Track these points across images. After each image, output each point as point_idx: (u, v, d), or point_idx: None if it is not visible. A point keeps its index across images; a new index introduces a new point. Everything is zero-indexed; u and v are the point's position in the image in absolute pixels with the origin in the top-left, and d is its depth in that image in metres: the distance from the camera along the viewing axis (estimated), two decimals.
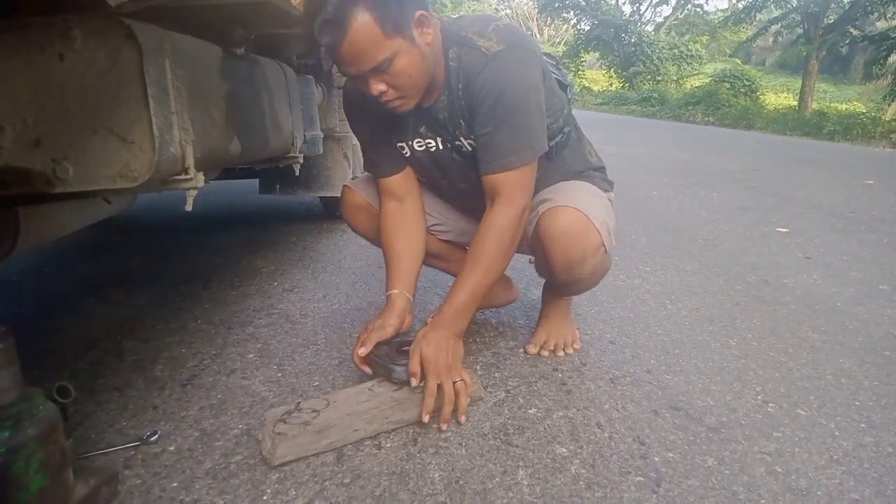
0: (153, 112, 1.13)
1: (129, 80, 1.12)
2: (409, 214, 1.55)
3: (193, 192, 1.29)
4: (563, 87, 1.57)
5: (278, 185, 3.08)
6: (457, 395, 1.30)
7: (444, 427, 1.29)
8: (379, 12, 1.13)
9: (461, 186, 1.53)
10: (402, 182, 1.54)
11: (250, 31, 1.61)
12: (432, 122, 1.41)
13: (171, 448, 1.23)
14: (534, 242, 1.49)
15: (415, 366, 1.30)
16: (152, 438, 1.26)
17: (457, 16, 1.50)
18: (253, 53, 1.71)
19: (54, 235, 1.69)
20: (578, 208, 1.39)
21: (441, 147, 1.44)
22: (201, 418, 1.35)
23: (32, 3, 1.09)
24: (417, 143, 1.46)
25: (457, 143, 1.41)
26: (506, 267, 1.42)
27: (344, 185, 1.71)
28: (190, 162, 1.24)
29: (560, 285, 1.59)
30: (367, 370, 1.39)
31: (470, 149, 1.40)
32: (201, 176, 1.28)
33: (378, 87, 1.23)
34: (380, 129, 1.46)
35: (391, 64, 1.19)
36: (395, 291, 1.48)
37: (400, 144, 1.47)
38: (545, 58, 1.51)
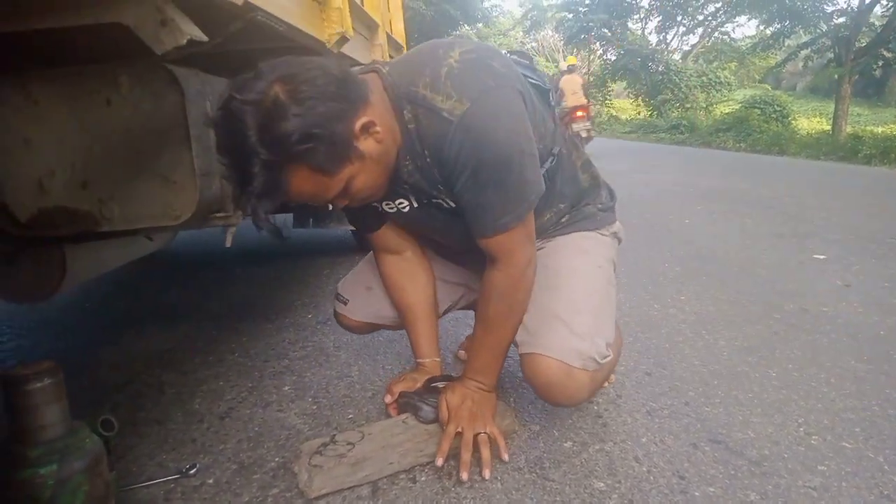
0: (195, 153, 1.17)
1: (173, 123, 1.17)
2: (412, 266, 1.50)
3: (233, 229, 1.33)
4: (544, 93, 1.39)
5: (312, 219, 3.13)
6: (480, 446, 1.26)
7: (463, 476, 1.21)
8: (314, 160, 0.98)
9: (450, 239, 1.42)
10: (392, 234, 1.45)
11: None
12: (399, 188, 1.25)
13: (210, 481, 1.25)
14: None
15: (443, 412, 1.31)
16: (192, 471, 1.27)
17: (399, 57, 1.35)
18: None
19: (98, 272, 1.76)
20: (557, 358, 1.23)
21: (416, 205, 1.29)
22: (239, 451, 1.36)
23: (81, 53, 1.15)
24: (387, 205, 1.31)
25: (435, 201, 1.25)
26: (521, 318, 1.31)
27: (335, 311, 1.64)
28: (229, 200, 1.28)
29: None
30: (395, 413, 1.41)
31: (452, 205, 1.23)
32: (239, 213, 1.32)
33: (341, 203, 1.14)
34: None
35: (348, 189, 1.08)
36: (428, 360, 1.50)
37: (374, 205, 1.31)
38: (519, 60, 1.37)
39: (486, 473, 1.23)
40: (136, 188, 1.20)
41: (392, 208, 1.31)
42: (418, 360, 1.52)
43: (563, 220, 1.44)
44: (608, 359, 1.30)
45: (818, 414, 1.47)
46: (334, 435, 1.30)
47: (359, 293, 1.61)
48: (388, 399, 1.44)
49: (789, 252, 3.28)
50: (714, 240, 3.67)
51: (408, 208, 1.30)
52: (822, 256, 3.15)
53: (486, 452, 1.26)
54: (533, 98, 1.26)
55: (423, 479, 1.24)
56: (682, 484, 1.19)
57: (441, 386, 1.37)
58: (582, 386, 1.26)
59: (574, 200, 1.45)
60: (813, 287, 2.59)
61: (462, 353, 1.84)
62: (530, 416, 1.49)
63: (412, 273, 1.50)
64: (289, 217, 3.11)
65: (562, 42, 31.00)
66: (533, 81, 1.34)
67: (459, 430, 1.28)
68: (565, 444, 1.36)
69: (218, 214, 1.31)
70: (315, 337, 2.12)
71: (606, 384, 1.64)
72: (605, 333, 1.31)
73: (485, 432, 1.29)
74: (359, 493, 1.19)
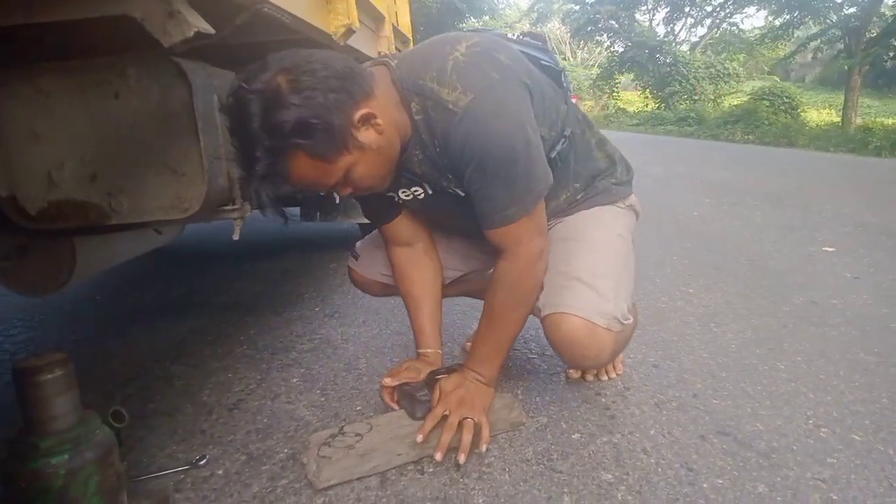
0: (203, 145, 1.17)
1: (181, 116, 1.17)
2: (422, 256, 1.52)
3: (241, 222, 1.33)
4: (557, 74, 1.41)
5: (319, 213, 3.14)
6: (463, 430, 1.26)
7: (437, 456, 1.23)
8: (312, 150, 1.03)
9: (462, 224, 1.42)
10: (404, 226, 1.47)
11: None
12: (412, 177, 1.28)
13: (220, 472, 1.26)
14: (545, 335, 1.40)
15: (434, 396, 1.32)
16: (201, 462, 1.28)
17: (408, 50, 1.39)
18: None
19: (108, 265, 1.76)
20: (581, 315, 1.26)
21: (430, 192, 1.31)
22: (248, 442, 1.37)
23: (89, 46, 1.15)
24: (404, 192, 1.34)
25: (448, 190, 1.27)
26: (528, 312, 1.34)
27: (348, 266, 1.70)
28: (237, 192, 1.29)
29: None
30: (394, 406, 1.42)
31: (464, 194, 1.25)
32: (248, 206, 1.32)
33: (345, 192, 1.18)
34: None
35: (348, 177, 1.11)
36: (431, 350, 1.51)
37: (389, 194, 1.35)
38: (530, 41, 1.41)
39: (462, 458, 1.23)
40: (144, 181, 1.21)
41: (408, 195, 1.34)
42: (420, 350, 1.52)
43: (579, 197, 1.47)
44: (630, 322, 1.36)
45: (827, 406, 1.47)
46: (342, 426, 1.31)
47: (370, 251, 1.65)
48: (388, 381, 1.42)
49: (798, 244, 3.26)
50: (723, 232, 3.66)
51: (423, 195, 1.33)
52: (831, 249, 3.13)
53: (466, 437, 1.25)
54: (542, 86, 1.28)
55: (430, 470, 1.24)
56: (690, 476, 1.19)
57: (441, 378, 1.37)
58: (604, 346, 1.30)
59: (589, 179, 1.47)
60: (822, 279, 2.57)
61: (468, 344, 1.84)
62: (538, 409, 1.49)
63: (421, 265, 1.51)
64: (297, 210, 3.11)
65: (568, 34, 30.85)
66: (545, 63, 1.37)
67: (447, 412, 1.28)
68: (573, 436, 1.36)
69: (226, 207, 1.31)
70: (323, 330, 2.12)
71: (614, 374, 1.64)
72: (627, 297, 1.37)
73: (471, 418, 1.28)
74: (367, 483, 1.19)
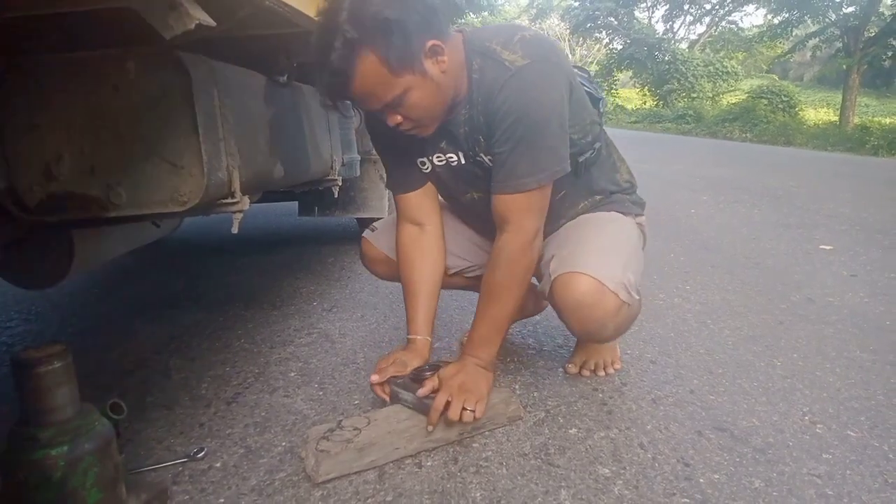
0: (202, 139, 1.17)
1: (180, 109, 1.17)
2: (428, 242, 1.53)
3: (239, 215, 1.33)
4: (595, 101, 1.52)
5: (317, 207, 3.14)
6: (461, 419, 1.28)
7: (428, 427, 1.27)
8: (384, 52, 1.11)
9: (480, 206, 1.47)
10: (421, 202, 1.51)
11: (292, 60, 1.66)
12: (452, 138, 1.36)
13: (218, 465, 1.26)
14: (551, 305, 1.46)
15: (433, 382, 1.32)
16: (199, 455, 1.29)
17: (483, 26, 1.49)
18: (295, 81, 1.76)
19: (106, 258, 1.76)
20: (591, 274, 1.31)
21: (463, 162, 1.39)
22: (246, 436, 1.37)
23: (89, 38, 1.15)
24: (438, 158, 1.42)
25: (478, 158, 1.36)
26: (523, 292, 1.39)
27: (362, 237, 1.73)
28: (236, 186, 1.29)
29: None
30: (385, 397, 1.41)
31: (491, 164, 1.34)
32: (247, 199, 1.32)
33: (394, 118, 1.23)
34: (401, 144, 1.42)
35: (403, 99, 1.18)
36: (420, 337, 1.51)
37: (421, 160, 1.44)
38: (576, 71, 1.49)
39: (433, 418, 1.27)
40: (143, 174, 1.20)
41: (441, 161, 1.42)
42: (409, 336, 1.52)
43: (598, 201, 1.55)
44: (636, 299, 1.39)
45: (823, 403, 1.47)
46: (340, 420, 1.31)
47: (387, 226, 1.68)
48: (375, 379, 1.42)
49: (796, 242, 3.28)
50: (720, 230, 3.67)
51: (456, 163, 1.41)
52: (828, 247, 3.14)
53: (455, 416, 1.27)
54: (581, 93, 1.40)
55: (429, 463, 1.24)
56: (686, 471, 1.20)
57: (427, 375, 1.36)
58: (610, 311, 1.33)
59: (608, 194, 1.56)
60: (819, 277, 2.59)
61: (465, 339, 1.85)
62: (535, 404, 1.49)
63: (425, 250, 1.53)
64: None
65: (567, 31, 30.80)
66: (587, 90, 1.48)
67: (449, 399, 1.28)
68: (570, 431, 1.36)
69: (225, 201, 1.31)
70: (321, 324, 2.13)
71: (612, 370, 1.65)
72: (635, 274, 1.40)
73: (471, 410, 1.28)
74: (365, 477, 1.20)
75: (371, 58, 1.11)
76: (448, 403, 1.27)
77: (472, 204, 1.52)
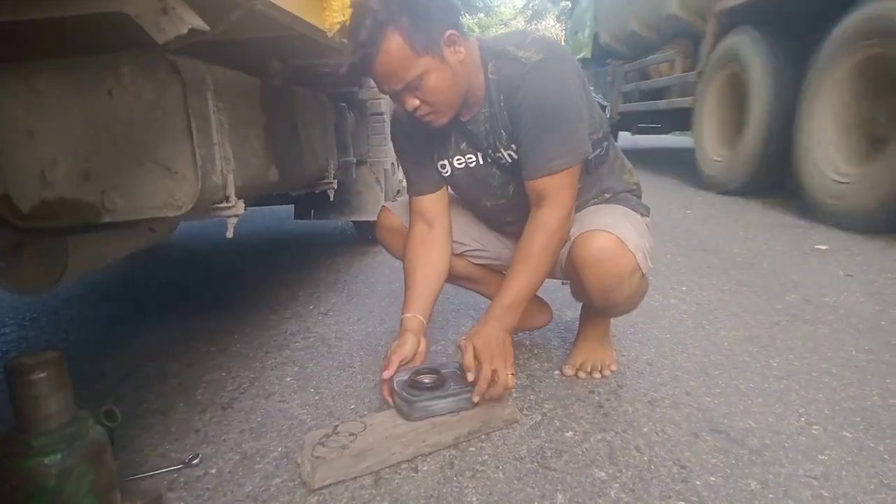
0: (196, 143, 1.17)
1: (174, 114, 1.17)
2: (436, 240, 1.59)
3: (234, 220, 1.33)
4: (602, 107, 1.60)
5: (313, 211, 3.13)
6: (498, 387, 1.33)
7: (475, 398, 1.31)
8: (409, 33, 1.21)
9: (499, 203, 1.56)
10: (435, 203, 1.58)
11: (287, 63, 1.66)
12: (472, 137, 1.45)
13: (213, 471, 1.26)
14: (568, 268, 1.49)
15: (469, 360, 1.33)
16: (194, 462, 1.28)
17: (493, 36, 1.55)
18: (289, 84, 1.76)
19: (100, 263, 1.75)
20: (612, 232, 1.38)
21: (482, 162, 1.49)
22: (241, 441, 1.37)
23: (83, 43, 1.15)
24: (458, 160, 1.50)
25: (497, 154, 1.44)
26: (552, 266, 1.43)
27: (382, 206, 1.77)
28: (231, 190, 1.29)
29: (598, 309, 1.59)
30: (390, 401, 1.41)
31: (510, 160, 1.43)
32: (241, 203, 1.32)
33: (411, 102, 1.30)
34: (423, 147, 1.52)
35: (422, 81, 1.26)
36: (409, 315, 1.51)
37: (442, 163, 1.53)
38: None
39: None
40: (138, 179, 1.20)
41: (461, 163, 1.51)
42: (404, 315, 1.51)
43: (606, 199, 1.60)
44: (649, 269, 1.46)
45: (819, 403, 1.47)
46: (336, 426, 1.30)
47: (405, 205, 1.70)
48: (387, 374, 1.41)
49: (792, 242, 3.28)
50: (716, 230, 3.67)
51: (474, 163, 1.50)
52: (824, 247, 3.14)
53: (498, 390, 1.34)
54: (590, 92, 1.48)
55: (425, 468, 1.24)
56: (683, 473, 1.20)
57: (427, 382, 1.36)
58: (626, 270, 1.39)
59: (616, 192, 1.61)
60: (815, 277, 2.59)
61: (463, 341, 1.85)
62: (531, 407, 1.49)
63: (431, 246, 1.58)
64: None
65: (563, 31, 30.83)
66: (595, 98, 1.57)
67: (494, 368, 1.31)
68: (566, 434, 1.36)
69: (220, 205, 1.31)
70: (317, 328, 2.12)
71: (608, 372, 1.64)
72: (650, 246, 1.47)
73: (512, 374, 1.36)
74: (361, 482, 1.19)
75: (396, 37, 1.21)
76: (494, 372, 1.31)
77: (484, 211, 1.64)
